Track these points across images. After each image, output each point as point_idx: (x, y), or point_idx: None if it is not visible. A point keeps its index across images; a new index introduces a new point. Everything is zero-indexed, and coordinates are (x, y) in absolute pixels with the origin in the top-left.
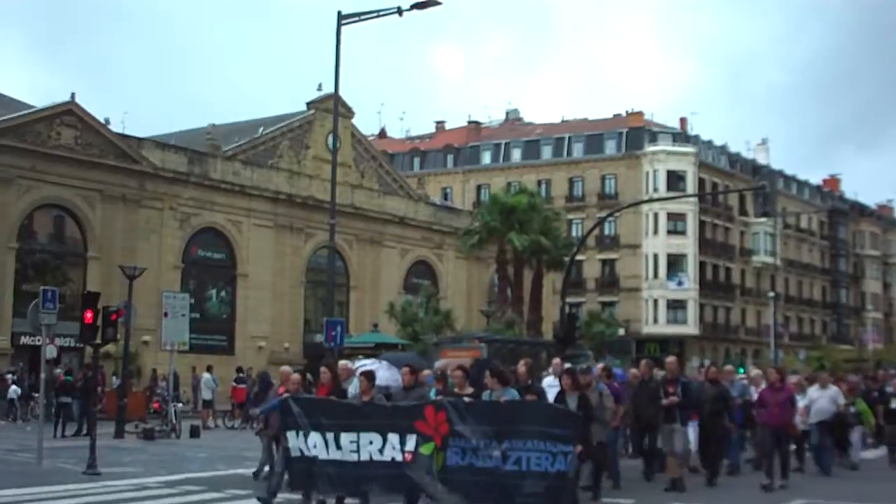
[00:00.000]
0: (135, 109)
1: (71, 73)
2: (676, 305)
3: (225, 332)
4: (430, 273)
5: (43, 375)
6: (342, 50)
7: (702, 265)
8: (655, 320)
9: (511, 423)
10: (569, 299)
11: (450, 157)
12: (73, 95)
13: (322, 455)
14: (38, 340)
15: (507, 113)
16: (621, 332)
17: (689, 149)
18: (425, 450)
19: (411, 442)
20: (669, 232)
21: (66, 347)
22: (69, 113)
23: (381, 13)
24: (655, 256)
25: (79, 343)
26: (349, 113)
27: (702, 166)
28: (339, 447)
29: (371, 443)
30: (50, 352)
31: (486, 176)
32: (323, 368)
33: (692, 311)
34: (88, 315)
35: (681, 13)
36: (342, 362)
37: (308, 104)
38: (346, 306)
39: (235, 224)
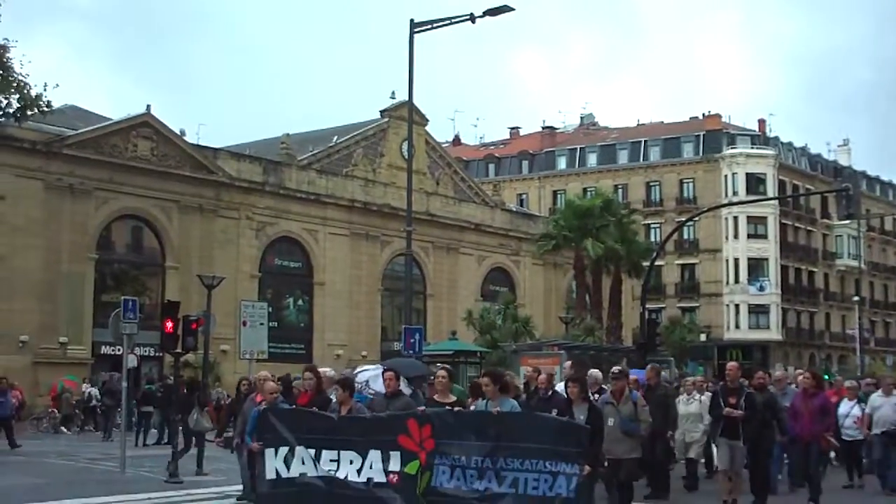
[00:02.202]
0: (209, 120)
1: (146, 86)
2: (758, 310)
3: (302, 341)
4: (508, 280)
5: (124, 384)
6: (415, 57)
7: (784, 269)
8: (737, 326)
9: (506, 439)
10: (648, 305)
11: (525, 164)
12: (148, 107)
13: (311, 472)
14: (119, 350)
15: (582, 118)
16: (703, 337)
17: (769, 151)
18: (410, 469)
19: (395, 460)
20: (750, 236)
21: (146, 357)
22: (145, 125)
23: (453, 20)
24: (736, 261)
25: (158, 352)
26: (423, 120)
27: (782, 168)
28: (320, 465)
29: (351, 462)
30: (131, 361)
31: (561, 181)
32: (307, 373)
33: (775, 316)
34: (169, 324)
35: (761, 14)
36: (323, 369)
37: (382, 112)
38: (424, 314)
39: (311, 233)
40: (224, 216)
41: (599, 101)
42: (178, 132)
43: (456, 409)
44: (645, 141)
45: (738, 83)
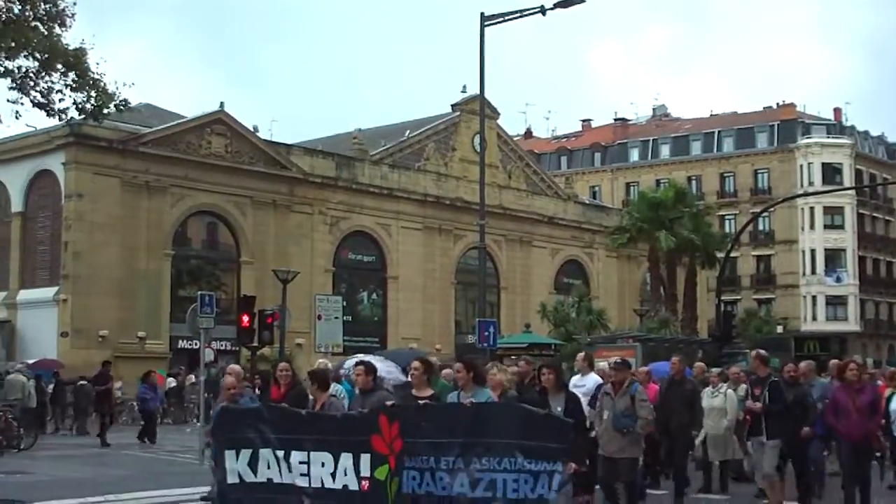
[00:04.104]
0: (281, 116)
1: (219, 82)
2: (836, 302)
3: (377, 335)
4: (581, 272)
5: (202, 378)
6: (486, 51)
7: (861, 260)
8: (814, 317)
9: (480, 434)
10: (724, 297)
11: (597, 156)
12: (222, 105)
13: (277, 477)
14: (196, 344)
15: (654, 109)
16: (779, 329)
17: (845, 140)
18: (379, 474)
19: (366, 464)
20: (826, 226)
21: (222, 350)
22: (219, 122)
23: (524, 13)
24: (812, 252)
25: (234, 346)
26: (494, 114)
27: (858, 157)
28: (289, 469)
29: (323, 465)
30: (208, 355)
31: (634, 173)
32: (283, 364)
33: (853, 307)
34: (245, 318)
35: (837, 1)
36: (322, 361)
37: (453, 106)
38: (497, 307)
39: (384, 227)
40: (298, 211)
41: (672, 92)
42: (251, 129)
43: (423, 402)
44: (718, 132)
45: (812, 72)
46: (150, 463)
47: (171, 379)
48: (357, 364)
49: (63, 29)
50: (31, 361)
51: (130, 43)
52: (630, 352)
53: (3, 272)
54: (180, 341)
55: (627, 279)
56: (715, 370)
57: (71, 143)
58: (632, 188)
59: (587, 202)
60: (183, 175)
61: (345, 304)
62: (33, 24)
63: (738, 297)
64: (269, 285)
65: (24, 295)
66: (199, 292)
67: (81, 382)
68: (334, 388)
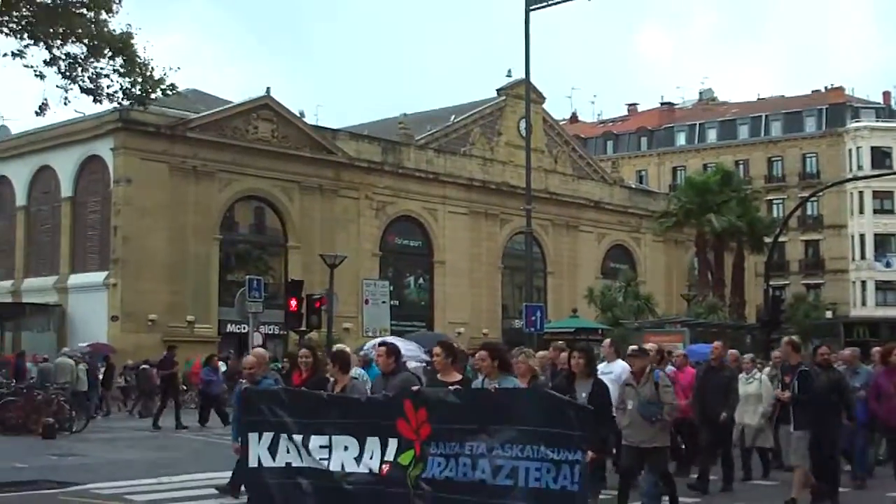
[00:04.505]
0: (327, 102)
1: (265, 69)
2: (886, 287)
3: (424, 319)
4: (628, 257)
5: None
6: (531, 35)
7: None
8: (864, 303)
9: (504, 421)
10: (772, 282)
11: (643, 140)
12: (268, 90)
13: (297, 462)
14: (245, 328)
15: (701, 93)
16: (828, 315)
17: (895, 124)
18: (403, 459)
19: (392, 448)
20: (876, 211)
21: (270, 335)
22: (265, 107)
23: None
24: (862, 237)
25: (282, 330)
26: (540, 98)
27: None
28: (309, 453)
29: (346, 448)
30: (256, 339)
31: (681, 158)
32: (303, 351)
33: None
34: (293, 303)
35: None
36: (341, 346)
37: (498, 91)
38: (544, 291)
39: (431, 211)
40: (344, 196)
41: (719, 76)
42: (297, 114)
43: (452, 387)
44: (766, 116)
45: (861, 55)
46: (202, 445)
47: (221, 363)
48: (379, 345)
49: (109, 15)
50: (84, 345)
51: (177, 28)
52: (678, 337)
53: (53, 257)
54: (229, 325)
55: (675, 264)
56: (748, 356)
57: (119, 129)
58: (678, 172)
59: (633, 186)
60: (230, 160)
61: (391, 288)
62: (79, 10)
63: (787, 283)
64: (316, 270)
65: (75, 279)
66: (248, 277)
67: (144, 366)
68: (355, 371)
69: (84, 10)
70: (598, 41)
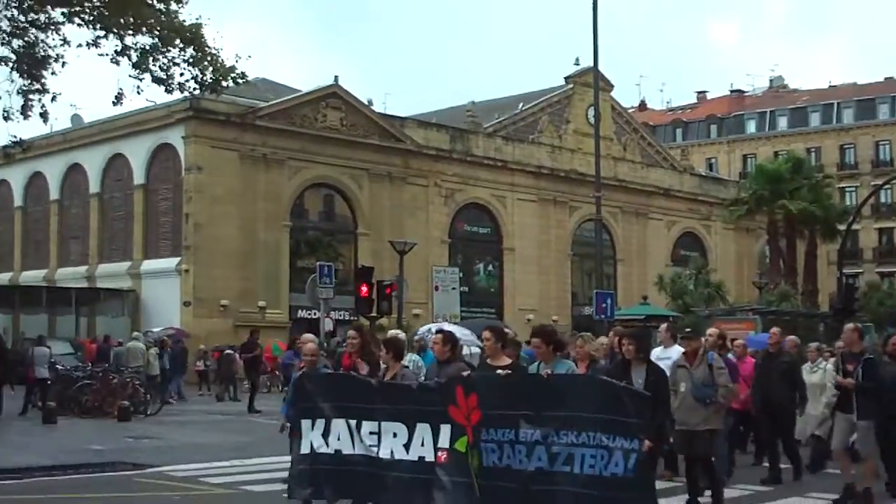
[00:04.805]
0: (395, 90)
1: (334, 56)
2: None
3: (493, 306)
4: (698, 245)
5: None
6: (599, 22)
7: None
8: None
9: (558, 406)
10: (845, 270)
11: (713, 128)
12: (336, 78)
13: (348, 448)
14: (315, 314)
15: (771, 80)
16: None
17: None
18: (459, 446)
19: (445, 435)
20: None
21: (340, 321)
22: (334, 95)
23: None
24: None
25: (352, 316)
26: (608, 86)
27: None
28: (361, 440)
29: (395, 435)
30: (327, 324)
31: (751, 145)
32: (351, 332)
33: None
34: (364, 289)
35: None
36: (394, 331)
37: (566, 78)
38: (614, 279)
39: (499, 199)
40: (413, 183)
41: (789, 63)
42: (365, 102)
43: (503, 372)
44: (838, 103)
45: None
46: (275, 429)
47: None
48: (437, 332)
49: (179, 5)
50: (156, 330)
51: (246, 17)
52: (749, 324)
53: (127, 243)
54: (299, 311)
55: (746, 252)
56: (813, 345)
57: (190, 118)
58: (749, 160)
59: (703, 174)
60: (299, 148)
61: (461, 275)
62: (149, 1)
63: (860, 271)
64: (385, 256)
65: (148, 265)
66: (318, 263)
67: (228, 351)
68: (410, 356)
69: (153, 2)
70: (667, 28)
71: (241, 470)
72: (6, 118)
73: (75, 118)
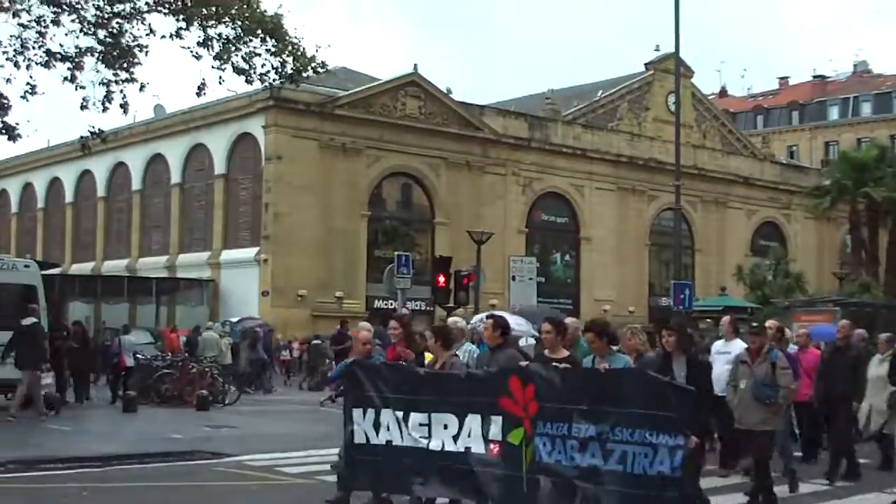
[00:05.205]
0: (474, 78)
1: (413, 45)
2: None
3: (570, 296)
4: (778, 234)
5: None
6: (680, 8)
7: None
8: None
9: (612, 402)
10: None
11: (795, 114)
12: (415, 67)
13: (397, 440)
14: (392, 304)
15: (855, 65)
16: None
17: None
18: (513, 438)
19: (496, 426)
20: None
21: (417, 310)
22: (412, 84)
23: None
24: None
25: (429, 307)
26: (689, 73)
27: None
28: (409, 431)
29: (445, 426)
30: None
31: (833, 132)
32: (392, 322)
33: None
34: (441, 279)
35: None
36: (454, 319)
37: (646, 65)
38: (692, 269)
39: (577, 188)
40: (491, 172)
41: (874, 47)
42: (444, 90)
43: (564, 365)
44: None
45: None
46: None
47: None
48: (486, 317)
49: None
50: (234, 319)
51: (326, 5)
52: (829, 316)
53: (207, 233)
54: (376, 301)
55: (826, 241)
56: (883, 336)
57: (270, 107)
58: (831, 147)
59: (784, 162)
60: (378, 137)
61: (538, 265)
62: None
63: None
64: (462, 246)
65: (227, 255)
66: (396, 252)
67: (316, 341)
68: (467, 346)
69: None
70: (748, 13)
71: (318, 460)
72: (83, 107)
73: (157, 108)
